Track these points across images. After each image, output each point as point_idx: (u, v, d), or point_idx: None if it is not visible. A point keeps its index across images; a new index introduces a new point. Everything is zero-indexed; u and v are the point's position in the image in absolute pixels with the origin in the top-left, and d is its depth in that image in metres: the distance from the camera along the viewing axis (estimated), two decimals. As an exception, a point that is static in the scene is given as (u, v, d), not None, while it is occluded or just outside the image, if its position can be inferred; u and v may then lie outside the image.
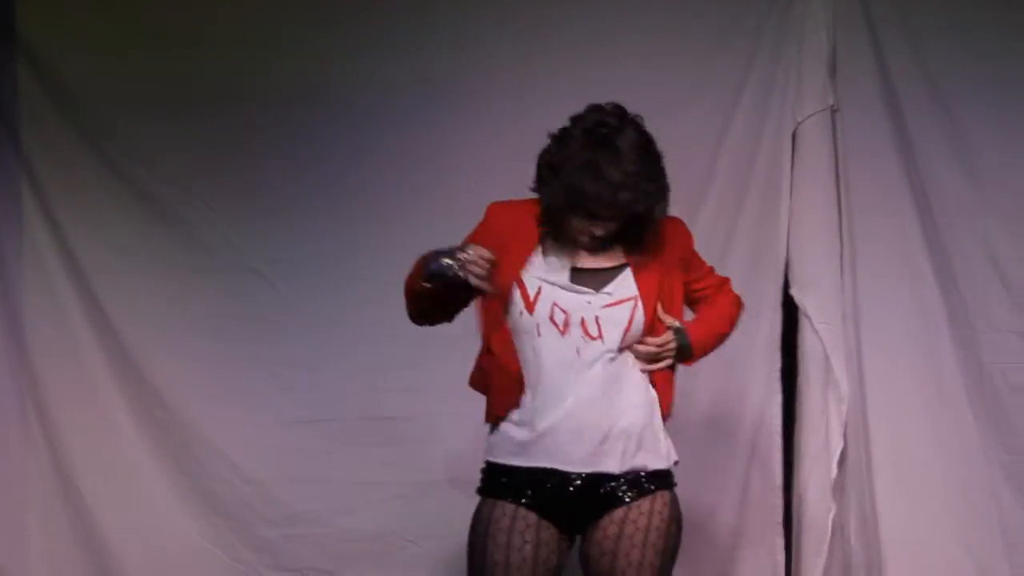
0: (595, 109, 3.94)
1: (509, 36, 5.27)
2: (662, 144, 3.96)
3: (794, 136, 5.17)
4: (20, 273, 5.42)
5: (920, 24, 5.09)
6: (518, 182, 4.02)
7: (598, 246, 3.97)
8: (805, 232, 5.18)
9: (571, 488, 3.94)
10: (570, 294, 3.94)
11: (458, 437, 5.09)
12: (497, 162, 4.96)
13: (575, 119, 3.94)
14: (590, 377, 3.93)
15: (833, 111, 5.16)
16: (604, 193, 3.83)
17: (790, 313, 5.20)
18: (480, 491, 4.04)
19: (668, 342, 4.01)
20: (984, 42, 5.06)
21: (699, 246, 4.22)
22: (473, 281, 3.86)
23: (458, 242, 3.94)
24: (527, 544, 3.92)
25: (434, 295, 3.94)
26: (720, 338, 4.17)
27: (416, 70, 5.27)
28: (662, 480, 4.00)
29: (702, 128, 5.18)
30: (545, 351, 3.94)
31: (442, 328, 4.14)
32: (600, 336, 3.94)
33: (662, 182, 3.93)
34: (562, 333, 3.93)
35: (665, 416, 4.06)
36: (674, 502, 4.01)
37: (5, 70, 5.37)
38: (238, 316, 5.37)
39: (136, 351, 5.37)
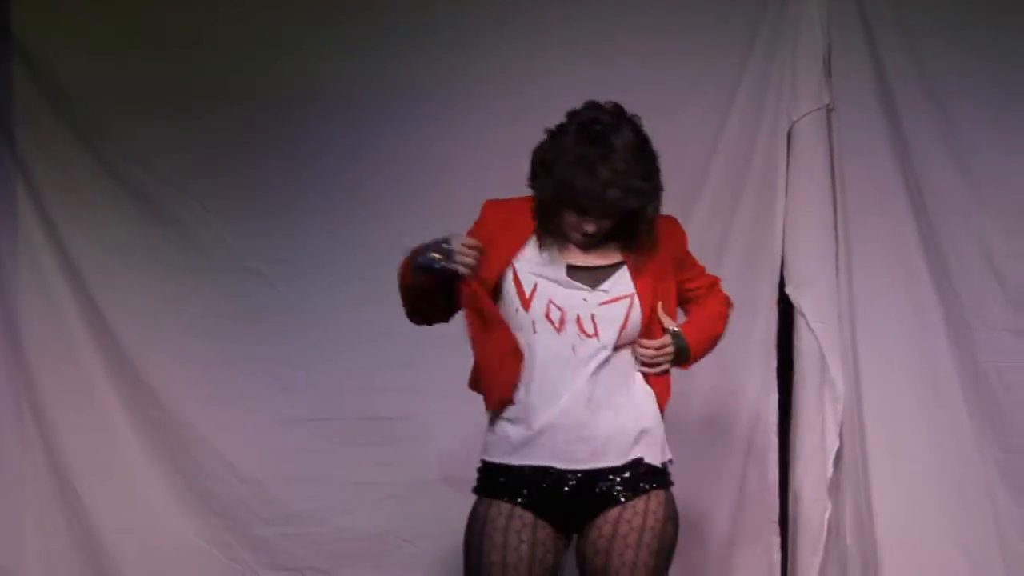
0: (592, 106, 3.94)
1: (506, 36, 5.27)
2: (658, 143, 3.96)
3: (789, 135, 5.17)
4: (16, 273, 5.41)
5: (915, 22, 5.09)
6: (516, 181, 4.02)
7: (591, 243, 3.97)
8: (801, 231, 5.18)
9: (567, 487, 3.93)
10: (566, 291, 3.94)
11: (454, 437, 5.09)
12: (495, 161, 4.96)
13: (571, 114, 3.95)
14: (586, 375, 3.92)
15: (828, 110, 5.16)
16: (593, 189, 3.83)
17: (786, 312, 5.21)
18: (476, 490, 4.03)
19: (666, 345, 4.01)
20: (979, 40, 5.07)
21: (695, 245, 4.22)
22: (461, 270, 3.86)
23: (445, 235, 3.94)
24: (523, 543, 3.92)
25: (426, 289, 3.93)
26: (715, 340, 4.17)
27: (414, 69, 5.27)
28: (658, 479, 3.99)
29: (698, 127, 5.18)
30: (541, 348, 3.93)
31: (439, 328, 4.14)
32: (596, 334, 3.93)
33: (655, 181, 3.92)
34: (558, 330, 3.93)
35: (660, 413, 4.06)
36: (670, 501, 4.00)
37: (0, 70, 5.36)
38: (234, 316, 5.37)
39: (132, 351, 5.37)
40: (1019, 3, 5.07)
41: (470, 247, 3.87)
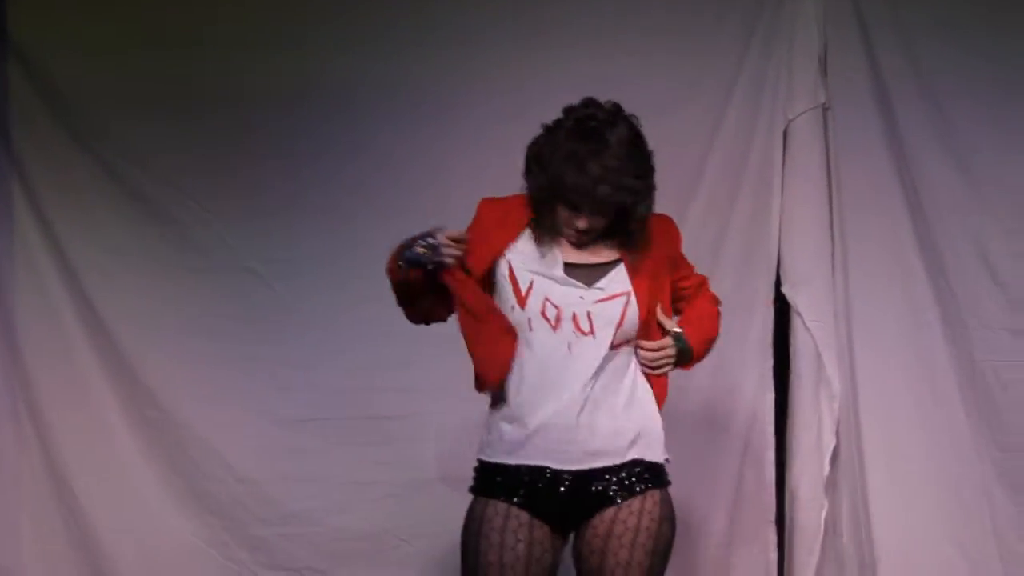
0: (589, 103, 3.93)
1: (504, 34, 5.27)
2: (654, 141, 3.95)
3: (785, 134, 5.17)
4: (12, 273, 5.41)
5: (911, 21, 5.09)
6: (514, 179, 4.01)
7: (585, 241, 3.96)
8: (797, 230, 5.19)
9: (563, 487, 3.92)
10: (562, 288, 3.92)
11: (451, 436, 5.09)
12: (493, 159, 4.95)
13: (568, 110, 3.94)
14: (583, 374, 3.91)
15: (824, 109, 5.16)
16: (584, 185, 3.82)
17: (782, 311, 5.21)
18: (473, 490, 4.03)
19: (666, 347, 4.00)
20: (976, 39, 5.07)
21: (691, 243, 4.22)
22: (447, 261, 3.86)
23: (430, 228, 3.93)
24: (520, 543, 3.91)
25: (415, 283, 3.93)
26: (714, 340, 4.16)
27: (412, 68, 5.27)
28: (654, 479, 3.98)
29: (694, 125, 5.19)
30: (537, 346, 3.92)
31: (437, 328, 4.13)
32: (592, 332, 3.92)
33: (648, 179, 3.91)
34: (554, 328, 3.92)
35: (658, 412, 4.06)
36: (666, 501, 3.99)
37: (-4, 71, 5.39)
38: (232, 316, 5.36)
39: (129, 351, 5.36)
40: (1016, 2, 5.07)
41: (455, 239, 3.87)
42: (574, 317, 3.92)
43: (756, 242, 5.20)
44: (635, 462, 3.96)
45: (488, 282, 3.99)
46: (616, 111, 3.91)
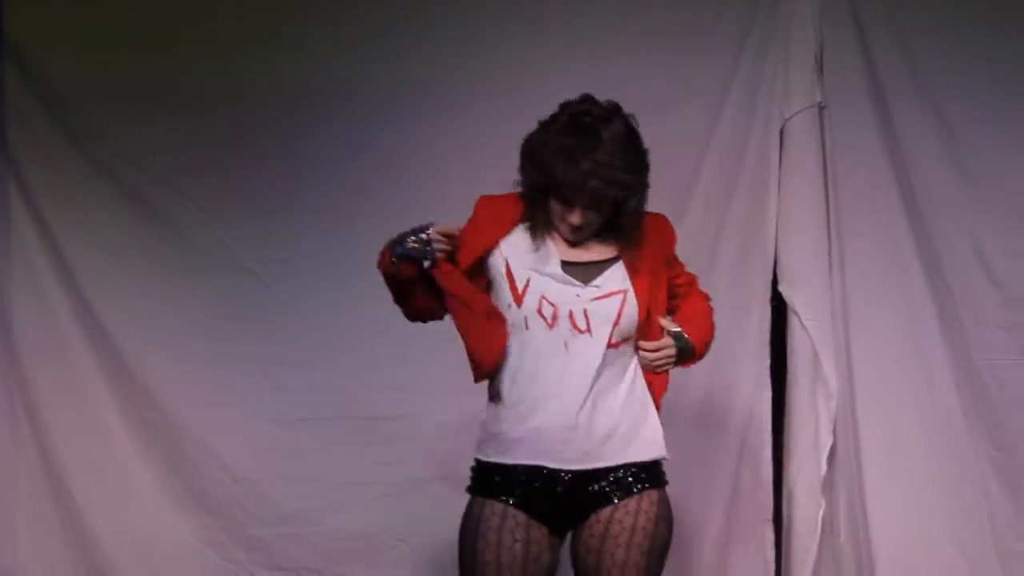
0: (586, 99, 3.94)
1: (504, 33, 5.27)
2: (650, 141, 3.95)
3: (782, 133, 5.18)
4: (8, 273, 5.40)
5: (907, 20, 5.09)
6: (512, 178, 4.01)
7: (580, 238, 3.96)
8: (793, 229, 5.19)
9: (560, 486, 3.92)
10: (559, 286, 3.92)
11: (449, 435, 5.09)
12: (491, 159, 4.92)
13: (564, 105, 3.94)
14: (580, 372, 3.91)
15: (821, 108, 5.17)
16: (574, 178, 3.82)
17: (779, 310, 5.21)
18: (470, 490, 4.03)
19: (666, 346, 4.00)
20: (972, 38, 5.06)
21: (688, 242, 4.22)
22: (438, 256, 3.86)
23: (421, 223, 3.94)
24: (517, 543, 3.91)
25: (407, 278, 3.93)
26: (712, 337, 4.16)
27: (411, 67, 5.27)
28: (651, 479, 3.98)
29: (690, 125, 5.19)
30: (533, 345, 3.92)
31: (434, 327, 4.13)
32: (588, 330, 3.91)
33: (641, 175, 3.90)
34: (550, 326, 3.91)
35: (657, 410, 4.05)
36: (663, 501, 3.99)
37: (-8, 71, 5.38)
38: (230, 316, 5.36)
39: (127, 352, 5.36)
40: (1013, 1, 5.06)
41: (446, 235, 3.87)
42: (571, 315, 3.91)
43: (753, 241, 5.20)
44: (632, 463, 3.96)
45: (481, 276, 3.98)
46: (613, 109, 3.91)
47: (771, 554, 5.22)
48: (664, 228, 4.08)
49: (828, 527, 5.17)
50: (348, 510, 5.32)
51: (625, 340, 3.96)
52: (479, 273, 3.98)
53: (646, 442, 3.99)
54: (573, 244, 3.97)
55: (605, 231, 3.97)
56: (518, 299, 3.93)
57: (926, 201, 5.09)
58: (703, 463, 5.16)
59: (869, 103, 5.13)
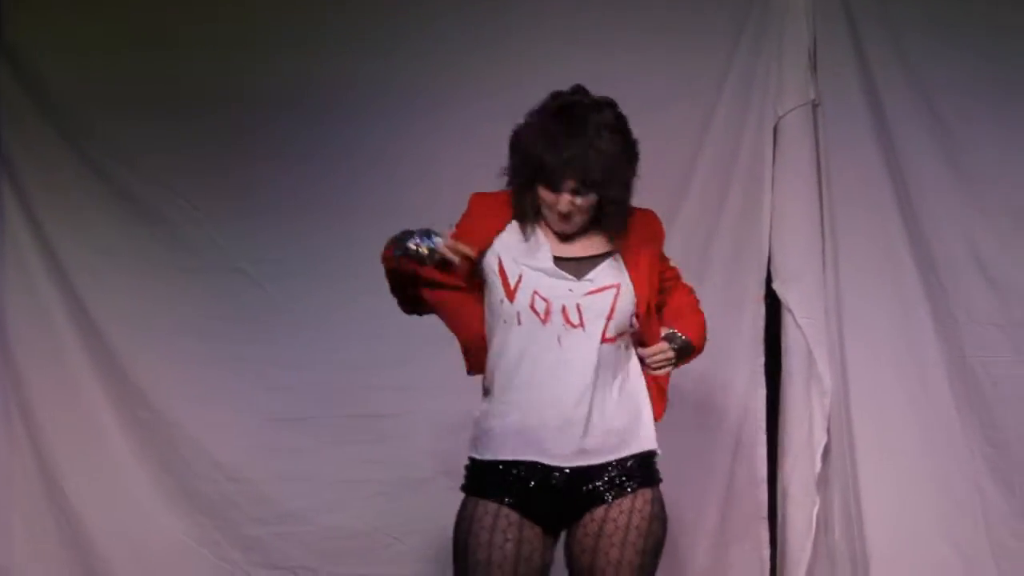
0: (577, 90, 3.94)
1: (495, 32, 5.27)
2: (644, 139, 3.94)
3: (776, 130, 5.18)
4: (2, 274, 5.41)
5: (899, 16, 5.09)
6: (504, 177, 4.02)
7: (569, 228, 3.94)
8: (787, 226, 5.19)
9: (554, 483, 3.91)
10: (551, 280, 3.90)
11: (444, 433, 5.09)
12: (482, 157, 4.89)
13: (555, 94, 3.94)
14: (575, 367, 3.89)
15: (814, 105, 5.17)
16: (557, 162, 3.81)
17: (773, 307, 5.21)
18: (464, 489, 4.02)
19: (663, 349, 3.99)
20: (964, 33, 5.06)
21: (682, 240, 4.23)
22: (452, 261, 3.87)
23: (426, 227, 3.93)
24: (508, 542, 3.90)
25: (409, 274, 3.93)
26: (705, 329, 4.13)
27: (403, 66, 5.28)
28: (645, 477, 3.97)
29: (684, 123, 5.19)
30: (526, 340, 3.91)
31: (430, 326, 4.11)
32: (582, 324, 3.90)
33: (626, 163, 3.88)
34: (543, 322, 3.90)
35: (658, 415, 4.04)
36: (657, 500, 3.98)
37: (-15, 71, 5.38)
38: (223, 316, 5.37)
39: (120, 351, 5.37)
40: (1004, -3, 5.09)
41: (455, 251, 3.86)
42: (563, 310, 3.90)
43: (747, 239, 5.20)
44: (626, 459, 3.95)
45: (476, 277, 3.97)
46: (605, 100, 3.90)
47: (766, 552, 5.21)
48: (653, 223, 4.07)
49: (823, 525, 5.17)
50: (343, 509, 5.32)
51: (620, 335, 3.95)
52: (475, 274, 3.98)
53: (640, 436, 3.98)
54: (564, 239, 3.96)
55: (596, 226, 3.96)
56: (510, 295, 3.92)
57: (919, 198, 5.09)
58: (698, 461, 5.15)
59: (862, 100, 5.13)
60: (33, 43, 5.35)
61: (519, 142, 3.91)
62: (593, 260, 3.96)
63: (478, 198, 4.04)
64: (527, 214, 3.95)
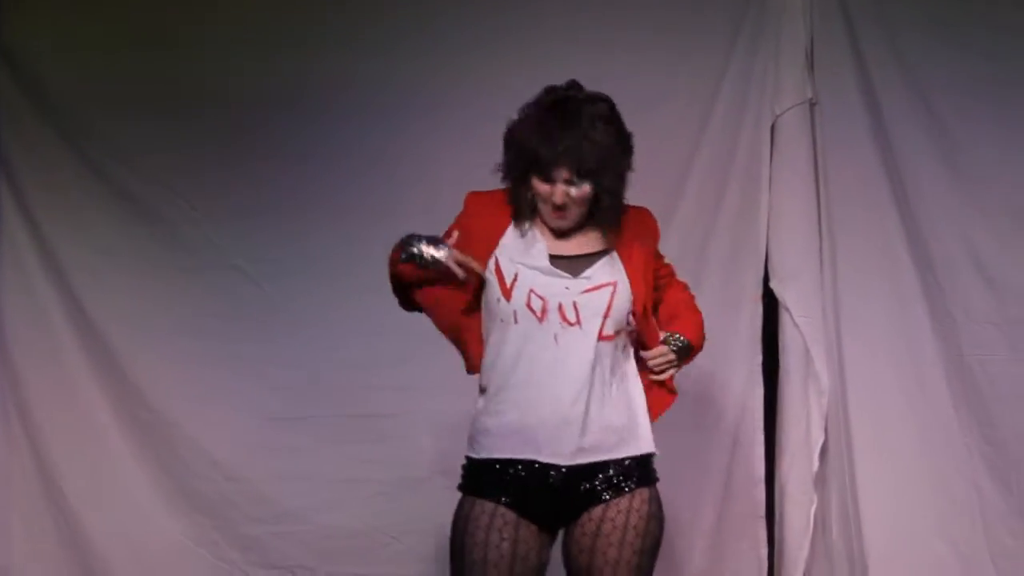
0: (572, 85, 3.94)
1: (493, 32, 5.28)
2: (641, 138, 3.94)
3: (773, 129, 5.18)
4: (0, 274, 5.40)
5: (896, 15, 5.09)
6: (497, 172, 4.03)
7: (565, 223, 3.93)
8: (785, 225, 5.19)
9: (551, 482, 3.91)
10: (547, 279, 3.90)
11: (442, 433, 5.10)
12: (481, 157, 4.89)
13: (549, 88, 3.94)
14: (573, 366, 3.89)
15: (812, 104, 5.17)
16: (550, 152, 3.81)
17: (771, 306, 5.22)
18: (460, 488, 4.01)
19: (663, 352, 4.00)
20: (961, 32, 5.06)
21: (679, 239, 4.23)
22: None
23: (439, 232, 3.94)
24: (504, 541, 3.90)
25: (412, 275, 3.93)
26: (703, 326, 4.13)
27: (401, 66, 5.28)
28: (643, 476, 3.97)
29: (681, 122, 5.19)
30: (523, 339, 3.90)
31: (430, 325, 4.10)
32: (579, 322, 3.89)
33: (620, 153, 3.88)
34: (540, 320, 3.89)
35: (654, 415, 4.04)
36: (654, 499, 3.98)
37: (-17, 71, 5.38)
38: (222, 315, 5.37)
39: (118, 351, 5.36)
40: (1000, -4, 5.10)
41: (461, 264, 3.86)
42: (560, 307, 3.89)
43: (744, 238, 5.20)
44: (624, 459, 3.95)
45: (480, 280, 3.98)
46: (599, 95, 3.91)
47: (764, 551, 5.21)
48: (647, 220, 4.07)
49: (820, 523, 5.17)
50: (342, 508, 5.32)
51: (617, 332, 3.95)
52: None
53: (638, 437, 3.99)
54: (560, 237, 3.96)
55: (591, 224, 3.96)
56: (507, 293, 3.92)
57: (917, 197, 5.09)
58: (695, 460, 5.15)
59: (860, 99, 5.13)
60: (32, 43, 5.35)
61: (513, 136, 3.91)
62: (589, 258, 3.96)
63: (475, 197, 4.04)
64: (523, 211, 3.95)
